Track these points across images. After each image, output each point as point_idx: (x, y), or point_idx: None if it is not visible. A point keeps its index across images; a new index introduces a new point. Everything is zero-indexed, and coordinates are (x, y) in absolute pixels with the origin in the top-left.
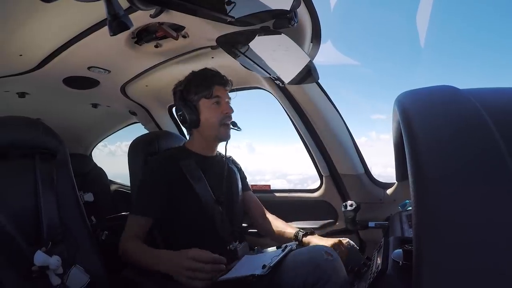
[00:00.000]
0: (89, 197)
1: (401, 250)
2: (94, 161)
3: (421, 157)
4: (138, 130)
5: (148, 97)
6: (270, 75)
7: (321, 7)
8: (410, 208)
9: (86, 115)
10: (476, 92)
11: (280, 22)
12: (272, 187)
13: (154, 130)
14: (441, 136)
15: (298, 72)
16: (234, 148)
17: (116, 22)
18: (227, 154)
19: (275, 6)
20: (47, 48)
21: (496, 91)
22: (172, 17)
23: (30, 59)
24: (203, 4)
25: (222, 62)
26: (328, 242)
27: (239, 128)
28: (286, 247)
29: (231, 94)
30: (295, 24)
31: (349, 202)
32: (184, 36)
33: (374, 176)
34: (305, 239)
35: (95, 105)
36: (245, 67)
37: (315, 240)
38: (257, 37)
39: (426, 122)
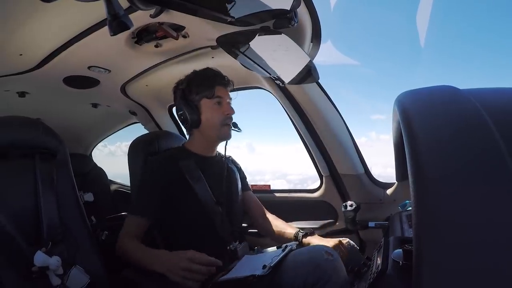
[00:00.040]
0: (89, 197)
1: (401, 250)
2: (94, 161)
3: (421, 157)
4: (138, 130)
5: (148, 97)
6: (270, 75)
7: (321, 7)
8: (410, 208)
9: (86, 115)
10: (476, 92)
11: (280, 22)
12: (272, 187)
13: (154, 130)
14: (441, 136)
15: (298, 72)
16: (234, 148)
17: (116, 22)
18: (226, 154)
19: (275, 6)
20: (47, 48)
21: (496, 91)
22: (172, 17)
23: (30, 59)
24: (203, 4)
25: (222, 62)
26: (328, 243)
27: (239, 129)
28: (286, 247)
29: (232, 94)
30: (295, 24)
31: (349, 202)
32: (184, 36)
33: (374, 177)
34: (304, 240)
35: (95, 105)
36: (245, 67)
37: (315, 240)
38: (257, 37)
39: (426, 122)
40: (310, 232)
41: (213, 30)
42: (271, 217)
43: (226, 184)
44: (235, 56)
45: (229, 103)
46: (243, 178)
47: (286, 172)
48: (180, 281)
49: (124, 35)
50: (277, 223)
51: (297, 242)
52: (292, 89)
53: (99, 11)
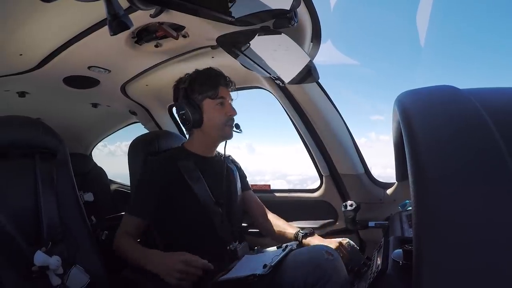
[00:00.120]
0: (89, 196)
1: (401, 250)
2: (94, 161)
3: (421, 157)
4: (137, 130)
5: (148, 96)
6: (270, 75)
7: (321, 6)
8: (410, 208)
9: (86, 114)
10: (476, 92)
11: (280, 22)
12: (272, 187)
13: (154, 130)
14: (441, 136)
15: (298, 71)
16: (234, 148)
17: (116, 22)
18: (226, 153)
19: (275, 6)
20: (47, 48)
21: (496, 91)
22: (172, 17)
23: (30, 59)
24: (203, 3)
25: (222, 61)
26: (329, 244)
27: (240, 130)
28: (286, 246)
29: (232, 95)
30: (295, 24)
31: (349, 202)
32: (184, 36)
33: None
34: (304, 241)
35: (95, 105)
36: (245, 66)
37: (315, 241)
38: (257, 37)
39: (426, 122)
40: (310, 233)
41: (213, 30)
42: (272, 216)
43: (225, 184)
44: (235, 56)
45: (231, 104)
46: (243, 177)
47: (286, 172)
48: (175, 283)
49: (124, 35)
50: (278, 223)
51: (297, 242)
52: (292, 89)
53: (99, 11)
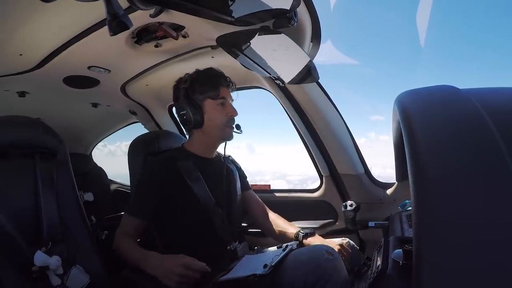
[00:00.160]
0: (89, 196)
1: (401, 250)
2: (94, 160)
3: (421, 157)
4: (137, 130)
5: (148, 96)
6: (270, 74)
7: (321, 6)
8: (410, 208)
9: (86, 114)
10: (476, 92)
11: (280, 22)
12: (272, 188)
13: (154, 130)
14: (441, 136)
15: (298, 71)
16: (234, 148)
17: (115, 22)
18: (226, 154)
19: (275, 5)
20: (47, 48)
21: (496, 91)
22: (172, 17)
23: (30, 59)
24: (203, 3)
25: (222, 61)
26: (330, 245)
27: (241, 131)
28: (287, 246)
29: (233, 95)
30: (295, 24)
31: (349, 202)
32: (184, 36)
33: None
34: (305, 241)
35: (95, 105)
36: (245, 66)
37: (316, 241)
38: (257, 37)
39: (426, 122)
40: (310, 233)
41: (213, 30)
42: (273, 216)
43: (225, 184)
44: (235, 56)
45: (231, 104)
46: (243, 177)
47: (285, 172)
48: (174, 286)
49: (124, 35)
50: (278, 222)
51: (298, 242)
52: (292, 89)
53: (99, 11)
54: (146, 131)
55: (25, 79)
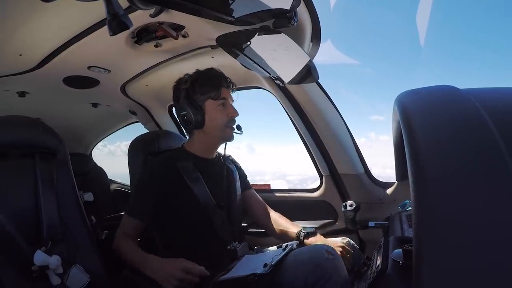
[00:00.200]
0: (89, 196)
1: (401, 250)
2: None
3: (421, 157)
4: (137, 130)
5: (148, 96)
6: (270, 74)
7: (321, 6)
8: (410, 208)
9: (86, 114)
10: (476, 92)
11: (280, 22)
12: (271, 187)
13: (154, 130)
14: (441, 136)
15: (298, 71)
16: (234, 148)
17: (115, 21)
18: (226, 154)
19: (275, 5)
20: (47, 48)
21: (496, 91)
22: (172, 16)
23: (30, 59)
24: (203, 3)
25: (222, 61)
26: (332, 245)
27: (241, 131)
28: (287, 246)
29: (233, 95)
30: (295, 24)
31: (349, 202)
32: (184, 36)
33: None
34: (306, 241)
35: (95, 105)
36: (245, 66)
37: (318, 242)
38: (257, 37)
39: (426, 121)
40: (312, 232)
41: (213, 29)
42: (275, 215)
43: (225, 184)
44: (235, 56)
45: (232, 105)
46: (243, 177)
47: (285, 172)
48: None
49: (123, 35)
50: (280, 222)
51: (298, 242)
52: (292, 89)
53: (99, 11)
54: (146, 131)
55: (25, 79)
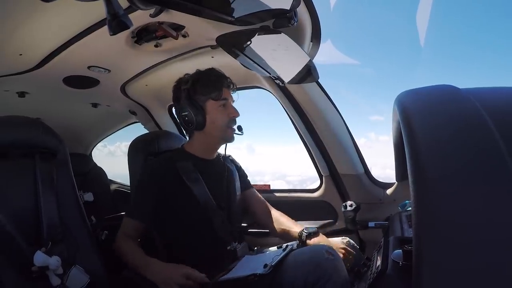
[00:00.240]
0: (89, 196)
1: (401, 250)
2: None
3: (421, 157)
4: (137, 130)
5: (148, 96)
6: (270, 74)
7: (320, 6)
8: (410, 208)
9: (86, 114)
10: (476, 92)
11: (280, 22)
12: (271, 188)
13: (154, 130)
14: (441, 135)
15: (298, 71)
16: (234, 149)
17: (115, 21)
18: (226, 154)
19: (275, 5)
20: (47, 48)
21: (496, 91)
22: (172, 16)
23: (30, 59)
24: (203, 3)
25: (222, 61)
26: (334, 246)
27: (242, 132)
28: (287, 246)
29: (233, 96)
30: (295, 24)
31: (349, 202)
32: (184, 36)
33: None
34: (309, 242)
35: (95, 105)
36: (245, 66)
37: (321, 242)
38: (257, 37)
39: (426, 121)
40: (314, 232)
41: (213, 29)
42: (276, 214)
43: (225, 184)
44: (235, 56)
45: (233, 105)
46: (243, 176)
47: (285, 173)
48: None
49: (123, 35)
50: (282, 221)
51: (298, 242)
52: (292, 88)
53: (99, 11)
54: (146, 131)
55: (25, 79)
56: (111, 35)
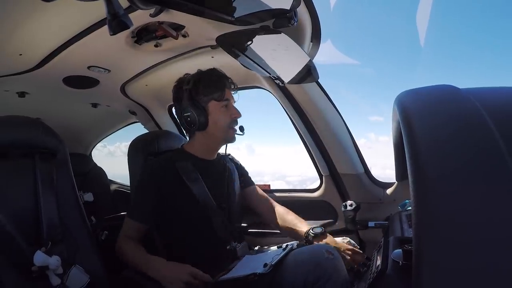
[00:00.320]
0: (89, 197)
1: (400, 250)
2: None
3: (421, 156)
4: (137, 130)
5: (148, 96)
6: (270, 74)
7: (320, 6)
8: (410, 208)
9: (86, 114)
10: (476, 92)
11: (280, 22)
12: (271, 188)
13: (153, 130)
14: (441, 135)
15: (298, 71)
16: (234, 149)
17: (115, 21)
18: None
19: (275, 5)
20: (47, 48)
21: (496, 90)
22: (172, 16)
23: (30, 59)
24: (203, 3)
25: (222, 61)
26: (338, 245)
27: (243, 132)
28: (287, 246)
29: (234, 96)
30: (295, 24)
31: (349, 202)
32: (184, 36)
33: None
34: (316, 243)
35: (95, 105)
36: (245, 66)
37: (328, 243)
38: (257, 37)
39: (426, 121)
40: (322, 233)
41: (213, 29)
42: (282, 211)
43: (225, 184)
44: (235, 56)
45: (235, 106)
46: (244, 174)
47: (285, 173)
48: None
49: (123, 35)
50: (287, 218)
51: (298, 242)
52: (292, 88)
53: (99, 11)
54: (146, 131)
55: (25, 79)
56: (111, 35)
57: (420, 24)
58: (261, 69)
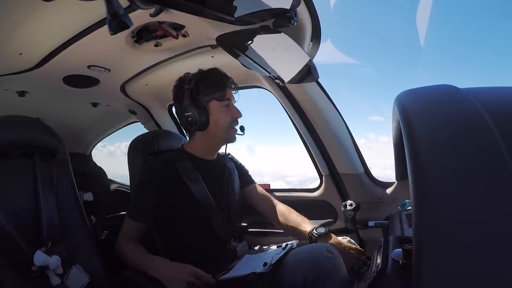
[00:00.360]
0: (88, 196)
1: (400, 249)
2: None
3: (421, 156)
4: (137, 131)
5: (148, 96)
6: (270, 74)
7: (321, 6)
8: (410, 207)
9: (86, 114)
10: (476, 92)
11: (280, 21)
12: (271, 188)
13: (153, 129)
14: (440, 135)
15: (298, 71)
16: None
17: (116, 21)
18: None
19: (275, 5)
20: (47, 47)
21: (496, 90)
22: (172, 16)
23: (30, 58)
24: (204, 3)
25: (222, 61)
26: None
27: (243, 132)
28: (286, 245)
29: (235, 95)
30: (295, 23)
31: (348, 202)
32: (184, 35)
33: None
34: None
35: (95, 104)
36: (245, 66)
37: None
38: (257, 36)
39: (426, 121)
40: (326, 233)
41: (213, 29)
42: (284, 209)
43: (225, 184)
44: (235, 56)
45: (235, 106)
46: (244, 173)
47: (285, 173)
48: None
49: (123, 34)
50: (290, 217)
51: (298, 241)
52: (292, 88)
53: (99, 10)
54: (146, 131)
55: (25, 78)
56: (111, 34)
57: (420, 24)
58: (261, 68)
